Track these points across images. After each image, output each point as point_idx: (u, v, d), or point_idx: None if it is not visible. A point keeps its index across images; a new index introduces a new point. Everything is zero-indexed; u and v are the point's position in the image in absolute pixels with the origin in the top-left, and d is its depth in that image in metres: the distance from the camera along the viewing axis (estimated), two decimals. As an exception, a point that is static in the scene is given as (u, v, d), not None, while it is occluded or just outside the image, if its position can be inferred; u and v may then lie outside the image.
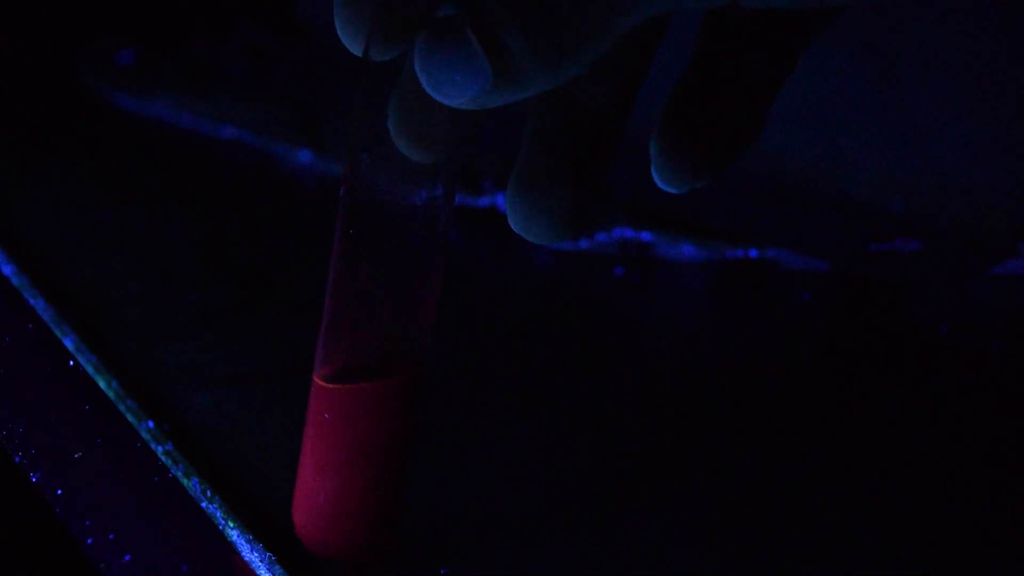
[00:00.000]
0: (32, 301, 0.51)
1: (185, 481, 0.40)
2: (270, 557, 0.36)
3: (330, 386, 0.33)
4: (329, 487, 0.34)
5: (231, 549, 0.36)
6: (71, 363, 0.43)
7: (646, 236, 0.57)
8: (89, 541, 0.35)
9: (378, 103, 0.29)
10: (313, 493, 0.34)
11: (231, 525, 0.38)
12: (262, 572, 0.36)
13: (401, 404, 0.33)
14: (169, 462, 0.41)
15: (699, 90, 0.28)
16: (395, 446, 0.33)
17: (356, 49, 0.28)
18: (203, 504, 0.39)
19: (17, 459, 0.38)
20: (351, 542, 0.35)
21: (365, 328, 0.32)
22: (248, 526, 0.38)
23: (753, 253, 0.57)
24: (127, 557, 0.34)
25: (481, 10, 0.25)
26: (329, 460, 0.33)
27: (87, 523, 0.35)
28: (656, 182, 0.28)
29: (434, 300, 0.32)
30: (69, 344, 0.48)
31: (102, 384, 0.45)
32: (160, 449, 0.41)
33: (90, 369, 0.46)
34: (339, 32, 0.28)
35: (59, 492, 0.37)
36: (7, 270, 0.54)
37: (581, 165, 0.29)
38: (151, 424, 0.43)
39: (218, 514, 0.38)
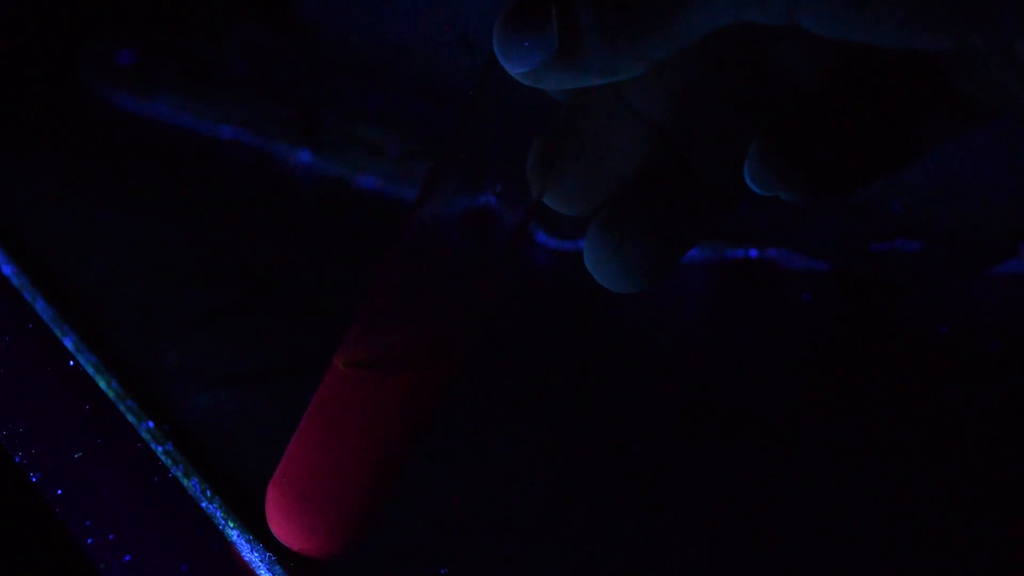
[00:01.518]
0: (32, 301, 0.51)
1: (185, 481, 0.40)
2: (270, 557, 0.36)
3: (349, 371, 0.33)
4: (324, 469, 0.33)
5: (231, 549, 0.36)
6: (71, 363, 0.43)
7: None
8: (89, 541, 0.35)
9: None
10: (306, 472, 0.33)
11: (231, 525, 0.38)
12: (262, 572, 0.36)
13: (413, 401, 0.33)
14: (169, 462, 0.41)
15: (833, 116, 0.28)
16: (400, 439, 0.33)
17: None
18: (203, 504, 0.39)
19: (17, 459, 0.38)
20: (327, 533, 0.33)
21: (400, 328, 0.32)
22: (248, 526, 0.38)
23: (753, 253, 0.57)
24: (127, 557, 0.34)
25: None
26: (335, 444, 0.33)
27: (87, 523, 0.35)
28: (745, 173, 0.28)
29: (478, 315, 0.32)
30: (69, 344, 0.48)
31: (102, 384, 0.45)
32: (160, 449, 0.41)
33: (90, 369, 0.46)
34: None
35: (59, 492, 0.37)
36: (7, 270, 0.54)
37: (674, 225, 0.29)
38: (151, 424, 0.43)
39: (218, 514, 0.38)
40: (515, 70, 0.27)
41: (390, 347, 0.32)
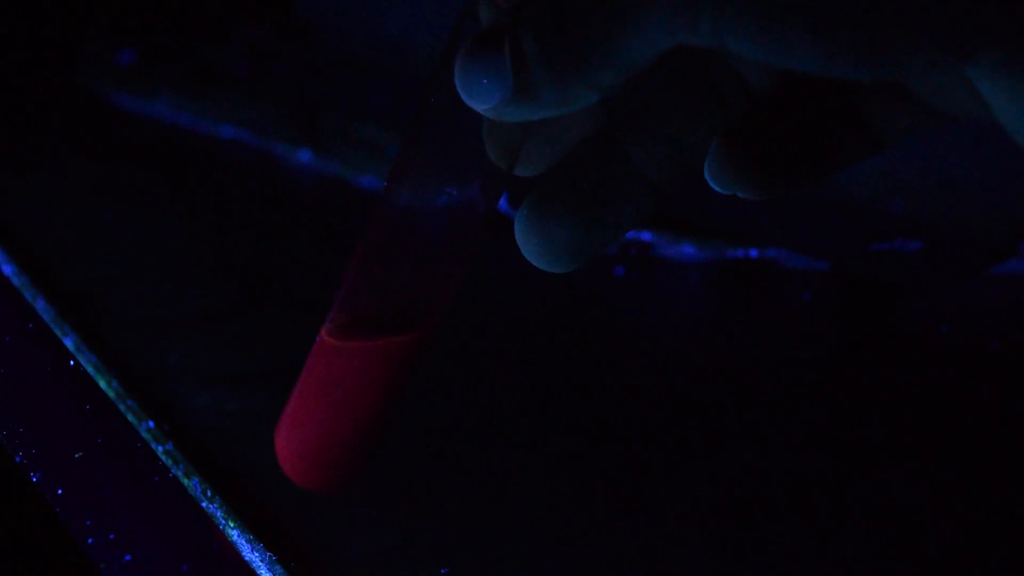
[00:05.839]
0: (32, 301, 0.51)
1: (185, 481, 0.40)
2: (270, 557, 0.36)
3: (337, 343, 0.34)
4: (318, 429, 0.35)
5: (231, 549, 0.36)
6: (71, 363, 0.43)
7: (646, 236, 0.57)
8: (89, 541, 0.35)
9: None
10: (303, 431, 0.35)
11: (231, 525, 0.38)
12: (262, 572, 0.36)
13: (400, 364, 0.33)
14: (169, 462, 0.41)
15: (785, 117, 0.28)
16: (386, 400, 0.34)
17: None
18: (203, 504, 0.39)
19: (17, 459, 0.38)
20: (328, 477, 0.35)
21: (381, 297, 0.33)
22: (248, 526, 0.38)
23: (753, 253, 0.57)
24: (127, 557, 0.34)
25: (517, 20, 0.26)
26: (326, 406, 0.34)
27: (87, 523, 0.35)
28: (706, 174, 0.28)
29: (457, 278, 0.33)
30: (69, 344, 0.48)
31: (102, 384, 0.45)
32: (160, 449, 0.41)
33: (90, 369, 0.46)
34: None
35: (59, 492, 0.37)
36: (7, 270, 0.54)
37: (604, 210, 0.29)
38: (151, 424, 0.43)
39: (218, 514, 0.38)
40: (478, 107, 0.27)
41: (372, 315, 0.33)
